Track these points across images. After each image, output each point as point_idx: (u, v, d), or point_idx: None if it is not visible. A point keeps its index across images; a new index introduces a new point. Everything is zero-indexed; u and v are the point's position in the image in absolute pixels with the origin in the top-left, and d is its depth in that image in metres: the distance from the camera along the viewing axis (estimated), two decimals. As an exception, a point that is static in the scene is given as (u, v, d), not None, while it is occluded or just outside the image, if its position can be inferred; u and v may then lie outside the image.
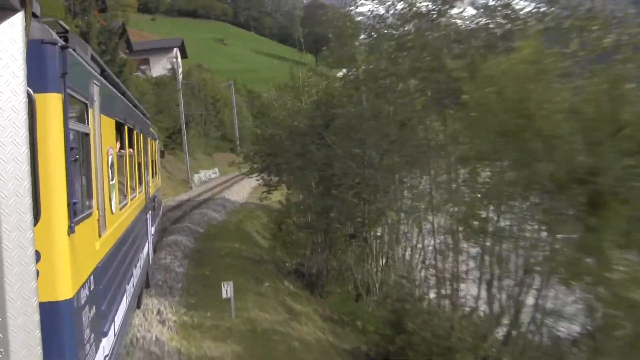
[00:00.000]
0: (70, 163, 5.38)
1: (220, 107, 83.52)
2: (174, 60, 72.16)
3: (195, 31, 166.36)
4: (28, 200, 3.97)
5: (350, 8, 24.88)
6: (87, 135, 6.49)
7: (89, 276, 6.08)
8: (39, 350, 4.00)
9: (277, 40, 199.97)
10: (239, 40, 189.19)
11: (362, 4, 24.55)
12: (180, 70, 61.88)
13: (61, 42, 5.38)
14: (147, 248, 13.68)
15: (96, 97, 6.94)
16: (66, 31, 5.88)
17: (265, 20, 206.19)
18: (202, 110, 72.32)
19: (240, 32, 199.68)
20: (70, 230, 5.29)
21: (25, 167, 3.96)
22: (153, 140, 18.27)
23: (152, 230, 15.25)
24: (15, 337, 3.90)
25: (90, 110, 6.63)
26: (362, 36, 23.77)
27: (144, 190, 13.28)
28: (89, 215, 6.39)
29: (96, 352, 6.38)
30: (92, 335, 6.15)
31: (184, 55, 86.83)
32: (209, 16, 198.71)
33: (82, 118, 6.44)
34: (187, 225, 25.35)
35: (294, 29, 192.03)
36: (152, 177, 16.89)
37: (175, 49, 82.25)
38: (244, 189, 47.16)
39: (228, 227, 26.92)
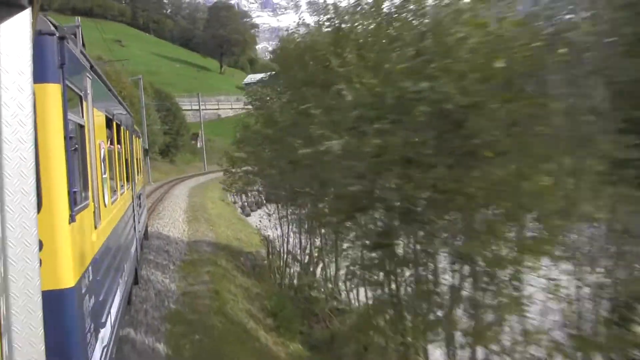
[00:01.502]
0: (70, 152, 5.35)
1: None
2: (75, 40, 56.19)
3: (92, 31, 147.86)
4: (33, 198, 3.71)
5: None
6: (82, 127, 6.39)
7: (88, 266, 5.89)
8: (42, 347, 3.70)
9: (178, 43, 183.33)
10: (138, 42, 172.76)
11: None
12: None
13: (58, 33, 5.34)
14: (135, 244, 12.94)
15: (89, 90, 6.82)
16: (56, 27, 5.49)
17: (166, 22, 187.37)
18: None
19: (138, 33, 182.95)
20: (72, 219, 5.24)
21: (31, 164, 3.72)
22: (137, 138, 17.07)
23: (138, 227, 14.20)
24: (18, 334, 3.60)
25: (84, 103, 6.54)
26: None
27: (131, 187, 12.70)
28: (86, 206, 6.20)
29: (96, 342, 6.04)
30: (92, 325, 5.89)
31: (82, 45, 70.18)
32: (105, 16, 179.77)
33: (77, 109, 6.29)
34: (127, 335, 10.37)
35: (197, 32, 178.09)
36: (137, 174, 15.79)
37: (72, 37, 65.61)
38: (176, 214, 31.64)
39: (208, 322, 12.13)
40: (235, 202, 57.70)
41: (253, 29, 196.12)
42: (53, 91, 5.06)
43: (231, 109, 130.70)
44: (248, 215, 53.06)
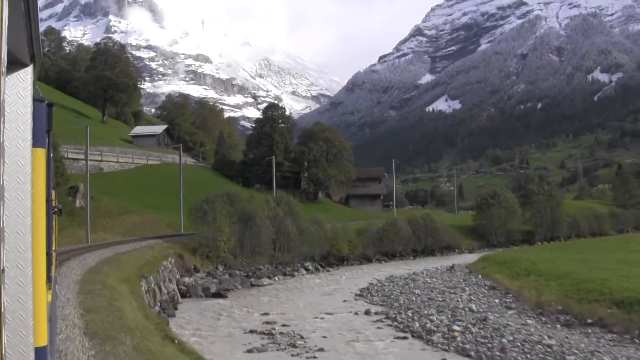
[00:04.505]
0: (50, 215, 5.38)
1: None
2: None
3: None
4: (29, 255, 3.60)
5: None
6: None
7: (47, 327, 5.18)
8: None
9: (54, 85, 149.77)
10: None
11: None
12: None
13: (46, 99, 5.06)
14: (55, 313, 12.06)
15: (51, 153, 6.93)
16: None
17: (42, 61, 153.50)
18: None
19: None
20: (49, 279, 5.11)
21: (28, 222, 3.63)
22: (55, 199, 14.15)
23: (56, 290, 12.80)
24: None
25: (50, 164, 6.53)
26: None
27: (55, 249, 11.24)
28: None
29: None
30: None
31: None
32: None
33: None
34: None
35: (77, 74, 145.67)
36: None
37: None
38: None
39: None
40: (150, 305, 31.46)
41: (140, 77, 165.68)
42: (40, 156, 4.48)
43: (117, 162, 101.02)
44: (169, 317, 34.34)
